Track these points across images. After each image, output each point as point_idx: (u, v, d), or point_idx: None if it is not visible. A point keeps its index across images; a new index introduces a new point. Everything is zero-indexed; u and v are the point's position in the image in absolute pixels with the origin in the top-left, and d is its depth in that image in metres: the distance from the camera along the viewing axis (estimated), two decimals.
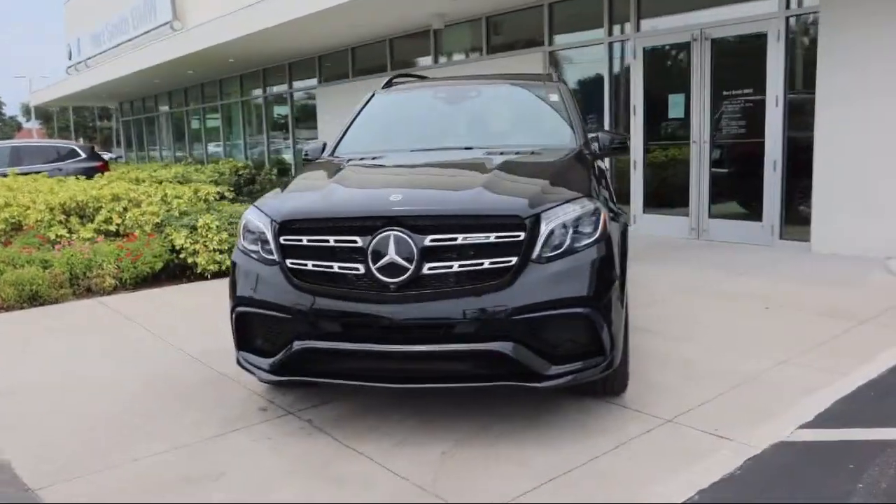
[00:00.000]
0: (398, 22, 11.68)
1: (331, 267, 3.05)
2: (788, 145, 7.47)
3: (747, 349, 4.21)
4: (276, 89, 17.57)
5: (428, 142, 4.34)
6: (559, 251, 3.00)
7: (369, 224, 3.02)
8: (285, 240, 3.16)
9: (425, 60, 12.44)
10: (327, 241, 3.07)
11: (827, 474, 2.72)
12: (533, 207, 3.02)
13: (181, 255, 6.95)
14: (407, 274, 2.92)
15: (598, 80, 9.42)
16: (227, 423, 3.41)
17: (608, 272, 3.08)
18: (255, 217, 3.36)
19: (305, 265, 3.10)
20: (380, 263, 2.94)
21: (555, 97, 4.58)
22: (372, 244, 2.96)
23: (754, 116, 7.69)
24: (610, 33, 9.21)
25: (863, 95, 6.73)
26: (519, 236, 2.96)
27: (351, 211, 3.16)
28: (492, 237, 2.96)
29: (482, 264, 2.95)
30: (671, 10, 8.62)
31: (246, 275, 3.29)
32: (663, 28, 8.67)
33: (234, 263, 3.42)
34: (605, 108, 9.31)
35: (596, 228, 3.09)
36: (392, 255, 2.93)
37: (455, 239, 2.95)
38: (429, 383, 3.05)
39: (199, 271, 6.87)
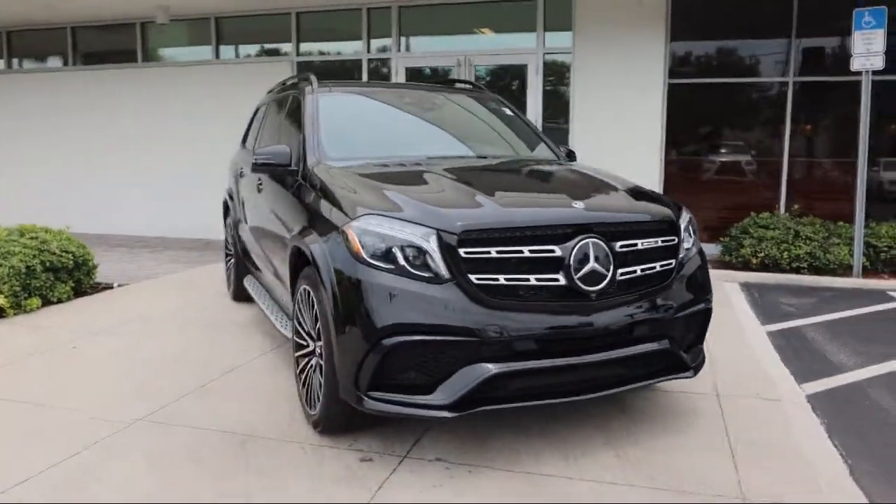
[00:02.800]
0: (103, 8, 9.86)
1: (527, 280, 2.80)
2: None
3: None
4: None
5: (431, 149, 4.08)
6: (688, 253, 3.30)
7: (559, 233, 2.88)
8: (467, 252, 2.77)
9: (128, 56, 10.74)
10: (521, 251, 2.81)
11: None
12: (674, 213, 3.26)
13: None
14: (605, 281, 2.88)
15: None
16: (351, 487, 2.81)
17: (707, 270, 3.49)
18: (396, 226, 2.84)
19: (496, 280, 2.78)
20: (582, 272, 2.84)
21: (508, 111, 4.75)
22: (573, 253, 2.83)
23: None
24: (368, 49, 9.40)
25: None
26: (674, 240, 3.18)
27: (542, 219, 2.93)
28: (658, 241, 3.11)
29: (654, 268, 3.08)
30: (435, 31, 9.24)
31: (394, 295, 2.76)
32: (429, 51, 9.24)
33: (357, 282, 2.82)
34: None
35: (695, 231, 3.46)
36: (593, 262, 2.86)
37: (636, 245, 3.02)
38: (604, 390, 3.03)
39: None
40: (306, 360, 3.32)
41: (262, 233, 4.55)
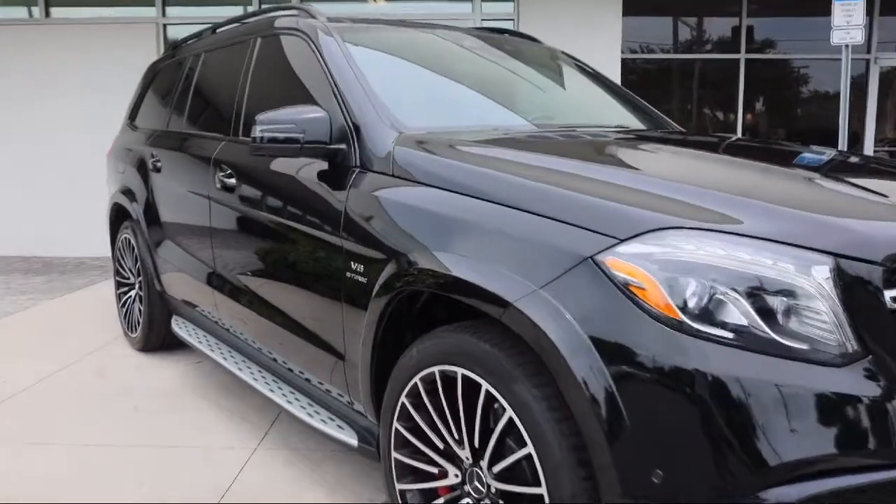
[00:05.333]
0: None
1: None
2: None
3: None
4: None
5: (524, 114, 2.64)
6: None
7: None
8: None
9: None
10: None
11: None
12: None
13: None
14: None
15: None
16: None
17: None
18: (738, 250, 1.38)
19: None
20: None
21: (587, 69, 3.38)
22: None
23: None
24: None
25: None
26: None
27: None
28: None
29: None
30: None
31: (760, 399, 1.30)
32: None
33: (673, 373, 1.33)
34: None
35: None
36: None
37: None
38: None
39: None
40: None
41: (249, 261, 2.80)
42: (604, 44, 7.31)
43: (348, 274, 2.07)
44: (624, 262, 1.42)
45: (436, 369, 1.76)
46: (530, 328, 1.49)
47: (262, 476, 2.57)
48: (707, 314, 1.35)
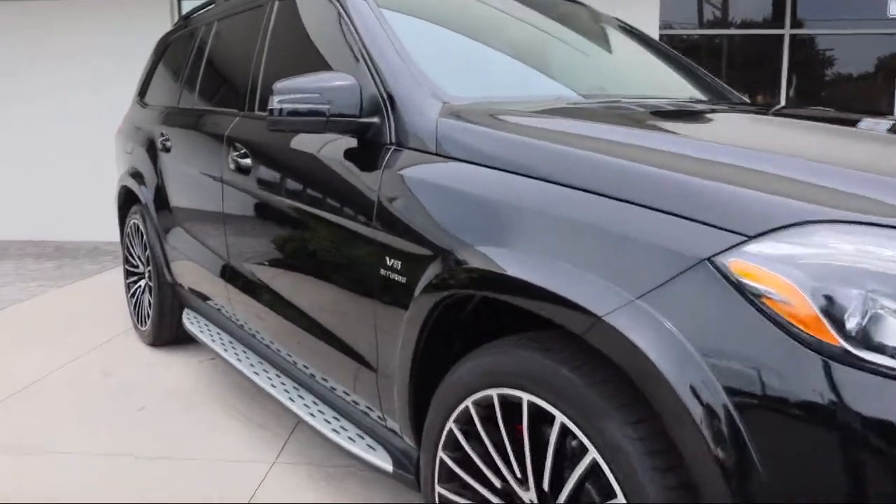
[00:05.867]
0: None
1: None
2: None
3: None
4: None
5: (581, 84, 2.29)
6: None
7: None
8: None
9: None
10: None
11: None
12: None
13: None
14: None
15: None
16: None
17: None
18: None
19: None
20: None
21: (643, 37, 3.01)
22: None
23: None
24: None
25: None
26: None
27: None
28: None
29: None
30: None
31: None
32: None
33: (833, 418, 0.99)
34: None
35: None
36: None
37: None
38: None
39: None
40: None
41: (266, 253, 2.49)
42: (641, 18, 6.87)
43: (383, 271, 1.74)
44: (755, 265, 1.07)
45: (493, 392, 1.43)
46: (626, 350, 1.16)
47: (281, 490, 2.27)
48: (874, 339, 1.01)
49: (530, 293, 1.32)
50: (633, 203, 1.24)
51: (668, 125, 1.70)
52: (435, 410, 1.61)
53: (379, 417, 1.97)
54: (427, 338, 1.63)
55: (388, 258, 1.73)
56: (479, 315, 1.64)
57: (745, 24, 7.71)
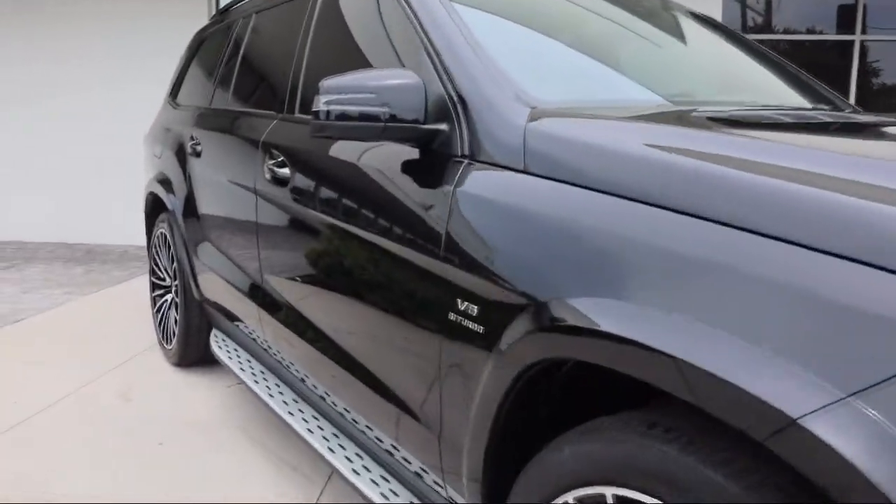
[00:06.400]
0: None
1: None
2: None
3: None
4: None
5: (683, 89, 1.93)
6: None
7: None
8: None
9: None
10: None
11: None
12: None
13: None
14: None
15: None
16: None
17: None
18: None
19: None
20: None
21: (730, 32, 2.63)
22: None
23: None
24: None
25: None
26: None
27: None
28: None
29: None
30: None
31: None
32: None
33: None
34: None
35: None
36: None
37: None
38: None
39: None
40: None
41: (304, 277, 2.16)
42: None
43: (453, 316, 1.40)
44: None
45: (608, 491, 1.08)
46: (832, 465, 0.79)
47: None
48: None
49: (679, 375, 0.96)
50: (833, 254, 0.88)
51: (846, 145, 1.31)
52: (521, 495, 1.26)
53: (436, 483, 1.62)
54: (513, 399, 1.28)
55: (460, 301, 1.38)
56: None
57: (811, 31, 7.24)
